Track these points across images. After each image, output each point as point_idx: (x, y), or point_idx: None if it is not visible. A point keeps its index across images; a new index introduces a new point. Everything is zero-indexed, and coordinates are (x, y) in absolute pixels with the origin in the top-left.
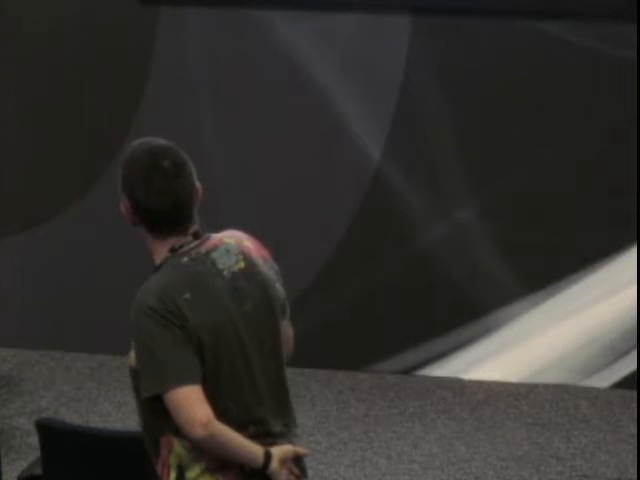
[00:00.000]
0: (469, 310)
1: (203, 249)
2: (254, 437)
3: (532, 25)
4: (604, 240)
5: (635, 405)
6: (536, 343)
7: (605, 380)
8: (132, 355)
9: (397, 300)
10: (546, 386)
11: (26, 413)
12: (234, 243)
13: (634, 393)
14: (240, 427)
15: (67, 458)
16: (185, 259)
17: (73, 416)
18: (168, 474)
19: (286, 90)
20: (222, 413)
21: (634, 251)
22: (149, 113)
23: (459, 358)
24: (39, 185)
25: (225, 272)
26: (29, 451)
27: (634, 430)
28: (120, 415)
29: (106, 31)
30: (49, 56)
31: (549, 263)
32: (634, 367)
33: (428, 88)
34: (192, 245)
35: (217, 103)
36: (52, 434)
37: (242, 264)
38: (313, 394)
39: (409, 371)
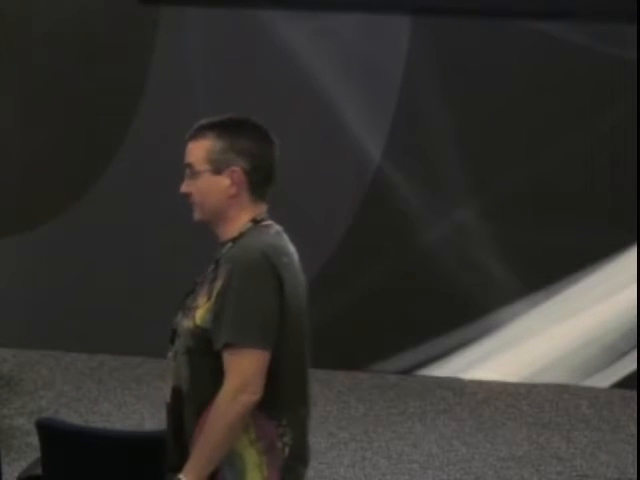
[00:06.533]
0: (469, 310)
1: (277, 227)
2: (303, 419)
3: (532, 25)
4: (604, 240)
5: (635, 405)
6: (536, 343)
7: (605, 380)
8: (199, 314)
9: (397, 300)
10: (546, 386)
11: (26, 413)
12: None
13: (634, 393)
14: (297, 404)
15: (67, 458)
16: (272, 231)
17: (73, 416)
18: None
19: (286, 90)
20: (284, 384)
21: (634, 251)
22: (149, 113)
23: (459, 358)
24: (39, 185)
25: (295, 255)
26: (29, 451)
27: (634, 430)
28: (120, 415)
29: (106, 31)
30: (49, 56)
31: (549, 263)
32: (634, 367)
33: (428, 88)
34: (269, 221)
35: (217, 103)
36: (52, 434)
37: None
38: (313, 394)
39: (409, 371)
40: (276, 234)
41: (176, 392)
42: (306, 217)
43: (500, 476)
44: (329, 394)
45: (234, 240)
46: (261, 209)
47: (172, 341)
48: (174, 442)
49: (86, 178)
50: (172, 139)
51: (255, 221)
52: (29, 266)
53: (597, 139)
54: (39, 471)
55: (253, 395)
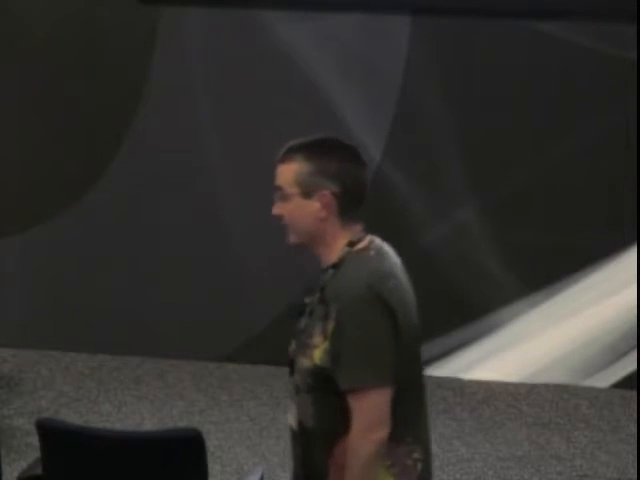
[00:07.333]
0: (469, 310)
1: (378, 243)
2: (425, 431)
3: (532, 25)
4: (604, 240)
5: (635, 405)
6: (536, 343)
7: (605, 380)
8: (317, 354)
9: None
10: (546, 386)
11: (26, 413)
12: (386, 244)
13: (634, 393)
14: (419, 419)
15: (67, 458)
16: (372, 252)
17: (73, 416)
18: (342, 472)
19: (286, 90)
20: (404, 405)
21: (634, 251)
22: (149, 113)
23: (459, 358)
24: (39, 185)
25: (398, 267)
26: (29, 451)
27: (634, 430)
28: (120, 415)
29: (106, 31)
30: (49, 56)
31: (549, 263)
32: (634, 367)
33: (428, 88)
34: (368, 239)
35: (217, 103)
36: (52, 434)
37: (399, 262)
38: None
39: None
40: (377, 254)
41: (301, 426)
42: None
43: (500, 476)
44: None
45: (335, 266)
46: (355, 230)
47: (291, 372)
48: (302, 471)
49: (86, 178)
50: (172, 139)
51: (352, 243)
52: (29, 266)
53: (597, 139)
54: (39, 471)
55: (382, 431)
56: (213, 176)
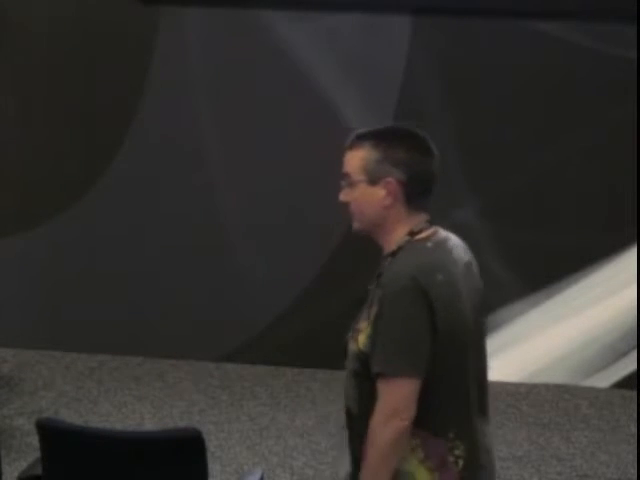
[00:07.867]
0: None
1: (441, 236)
2: (474, 429)
3: (532, 25)
4: (604, 240)
5: (635, 405)
6: (536, 343)
7: (605, 380)
8: (361, 339)
9: None
10: (546, 386)
11: (26, 413)
12: (458, 239)
13: (634, 393)
14: (465, 416)
15: (67, 458)
16: (429, 244)
17: (73, 416)
18: None
19: (286, 90)
20: (443, 400)
21: (634, 251)
22: (149, 113)
23: None
24: (39, 185)
25: (459, 263)
26: (29, 451)
27: (634, 430)
28: (120, 415)
29: (106, 31)
30: (49, 56)
31: (549, 263)
32: (634, 367)
33: (428, 88)
34: (430, 231)
35: (217, 103)
36: (52, 434)
37: (467, 259)
38: (313, 394)
39: None
40: (434, 246)
41: (347, 412)
42: (306, 217)
43: (500, 476)
44: (329, 394)
45: (393, 254)
46: (419, 219)
47: (345, 357)
48: (351, 454)
49: (86, 178)
50: (172, 139)
51: (412, 233)
52: (29, 266)
53: (597, 139)
54: (39, 471)
55: (404, 421)
56: (213, 176)
